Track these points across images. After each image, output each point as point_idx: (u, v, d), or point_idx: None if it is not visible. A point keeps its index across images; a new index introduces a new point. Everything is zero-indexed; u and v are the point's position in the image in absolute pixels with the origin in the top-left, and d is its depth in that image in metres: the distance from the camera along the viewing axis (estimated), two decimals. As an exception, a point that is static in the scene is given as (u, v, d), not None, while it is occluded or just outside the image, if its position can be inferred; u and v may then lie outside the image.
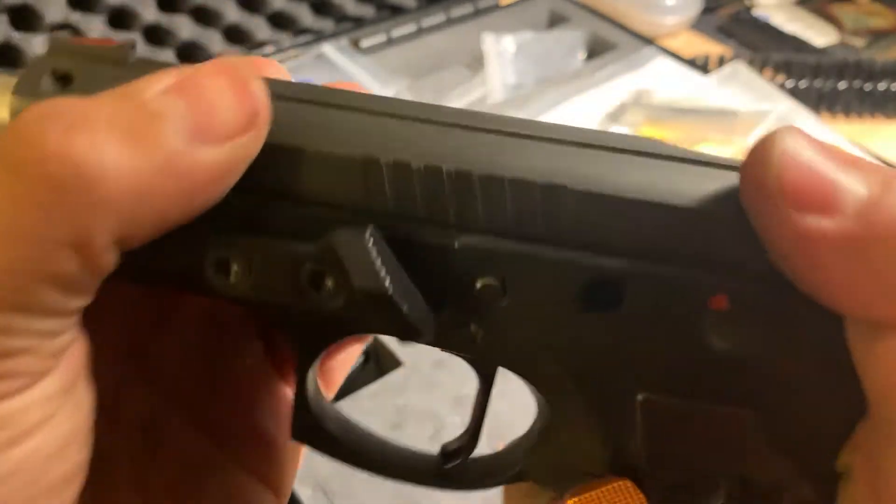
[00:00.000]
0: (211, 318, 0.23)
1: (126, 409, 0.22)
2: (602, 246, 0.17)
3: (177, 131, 0.14)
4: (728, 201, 0.16)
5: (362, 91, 0.18)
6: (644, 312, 0.17)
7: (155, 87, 0.15)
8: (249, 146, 0.16)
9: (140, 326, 0.22)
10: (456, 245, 0.17)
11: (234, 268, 0.18)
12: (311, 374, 0.20)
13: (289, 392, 0.25)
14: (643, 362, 0.18)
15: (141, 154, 0.14)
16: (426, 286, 0.18)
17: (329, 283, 0.17)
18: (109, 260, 0.15)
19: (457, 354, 0.20)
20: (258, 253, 0.17)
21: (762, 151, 0.15)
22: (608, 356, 0.18)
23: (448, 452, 0.23)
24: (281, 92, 0.17)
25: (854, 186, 0.15)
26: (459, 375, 0.49)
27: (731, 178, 0.16)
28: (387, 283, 0.17)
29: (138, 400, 0.22)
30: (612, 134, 0.17)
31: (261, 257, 0.17)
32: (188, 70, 0.16)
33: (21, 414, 0.15)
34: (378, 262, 0.17)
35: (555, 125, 0.17)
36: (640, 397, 0.18)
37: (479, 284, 0.18)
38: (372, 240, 0.17)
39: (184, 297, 0.22)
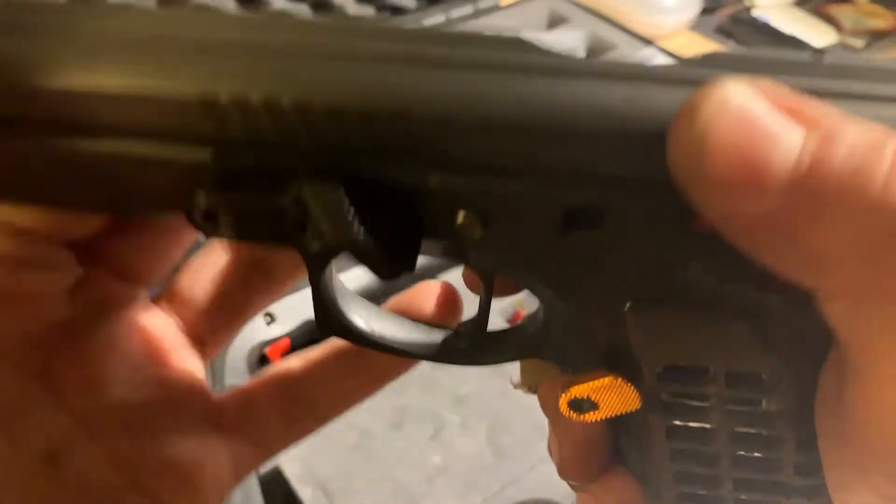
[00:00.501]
0: (129, 340, 0.23)
1: (29, 431, 0.20)
2: (577, 177, 0.17)
3: None
4: None
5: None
6: (625, 232, 0.17)
7: None
8: None
9: (52, 344, 0.21)
10: (430, 184, 0.17)
11: (222, 218, 0.18)
12: (325, 278, 0.20)
13: (209, 417, 0.24)
14: (627, 276, 0.18)
15: None
16: (405, 224, 0.18)
17: (309, 229, 0.17)
18: None
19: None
20: (241, 208, 0.17)
21: (690, 114, 0.14)
22: (592, 270, 0.18)
23: (461, 332, 0.24)
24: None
25: (788, 148, 0.13)
26: (459, 376, 0.49)
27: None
28: (360, 235, 0.17)
29: (44, 423, 0.21)
30: (575, 59, 0.17)
31: (245, 211, 0.17)
32: None
33: None
34: (351, 214, 0.17)
35: (521, 52, 0.17)
36: (627, 305, 0.18)
37: (459, 219, 0.17)
38: (345, 190, 0.17)
39: (98, 318, 0.22)
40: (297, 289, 0.53)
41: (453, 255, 0.20)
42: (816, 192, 0.13)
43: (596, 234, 0.17)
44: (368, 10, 0.85)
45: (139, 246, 0.22)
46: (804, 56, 0.16)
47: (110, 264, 0.22)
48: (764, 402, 0.19)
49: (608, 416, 0.20)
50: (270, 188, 0.17)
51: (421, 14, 0.87)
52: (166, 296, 0.24)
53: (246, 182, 0.17)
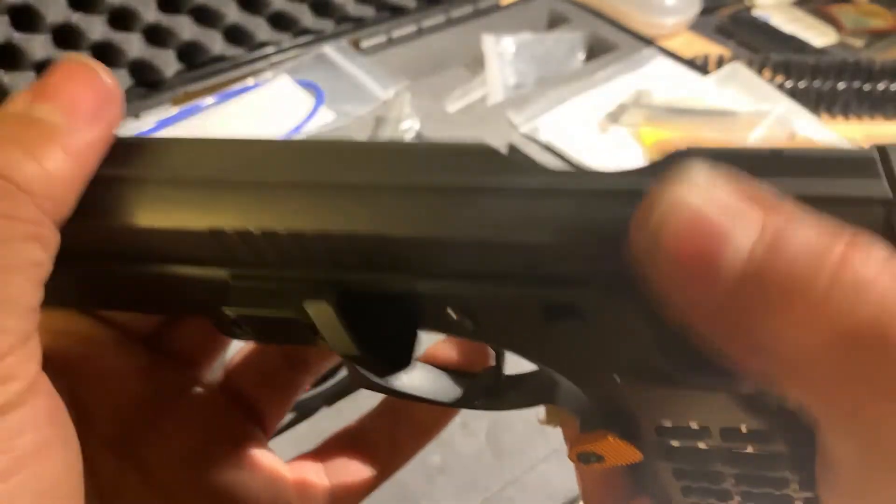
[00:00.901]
0: (205, 414, 0.25)
1: (120, 499, 0.22)
2: (548, 281, 0.18)
3: (59, 126, 0.18)
4: None
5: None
6: (604, 322, 0.18)
7: (21, 103, 0.18)
8: (114, 118, 0.19)
9: (135, 415, 0.23)
10: (418, 290, 0.19)
11: (245, 327, 0.21)
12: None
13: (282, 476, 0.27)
14: (612, 356, 0.19)
15: (44, 157, 0.18)
16: (401, 324, 0.20)
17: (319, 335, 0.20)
18: (55, 236, 0.18)
19: None
20: (255, 320, 0.20)
21: (647, 211, 0.15)
22: (579, 352, 0.19)
23: (481, 380, 0.26)
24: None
25: (740, 244, 0.14)
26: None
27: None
28: (355, 346, 0.19)
29: (136, 496, 0.23)
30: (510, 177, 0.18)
31: (261, 321, 0.20)
32: (39, 81, 0.19)
33: (17, 434, 0.16)
34: (345, 329, 0.19)
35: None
36: (617, 379, 0.19)
37: (449, 317, 0.19)
38: (338, 308, 0.19)
39: (168, 399, 0.25)
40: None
41: (456, 335, 0.21)
42: (765, 288, 0.14)
43: (577, 323, 0.18)
44: (369, 11, 0.85)
45: (193, 337, 0.26)
46: (764, 151, 0.17)
47: (171, 353, 0.26)
48: (763, 448, 0.20)
49: (613, 467, 0.21)
50: (278, 304, 0.19)
51: (421, 14, 0.87)
52: (225, 381, 0.28)
53: (258, 298, 0.20)
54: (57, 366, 0.20)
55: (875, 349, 0.13)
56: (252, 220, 0.19)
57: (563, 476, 0.44)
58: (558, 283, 0.18)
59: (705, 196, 0.14)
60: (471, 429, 0.46)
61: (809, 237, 0.14)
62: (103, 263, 0.21)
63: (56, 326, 0.23)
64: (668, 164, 0.16)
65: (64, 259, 0.18)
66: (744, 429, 0.19)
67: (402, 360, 0.22)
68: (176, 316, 0.25)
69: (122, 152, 0.20)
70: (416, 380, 0.25)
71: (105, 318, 0.24)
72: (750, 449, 0.20)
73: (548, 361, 0.20)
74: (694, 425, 0.20)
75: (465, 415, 0.47)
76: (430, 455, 0.45)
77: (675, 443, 0.21)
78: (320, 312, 0.19)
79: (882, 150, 0.16)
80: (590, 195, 0.17)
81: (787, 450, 0.19)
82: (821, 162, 0.16)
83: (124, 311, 0.24)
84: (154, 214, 0.19)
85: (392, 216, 0.18)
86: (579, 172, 0.17)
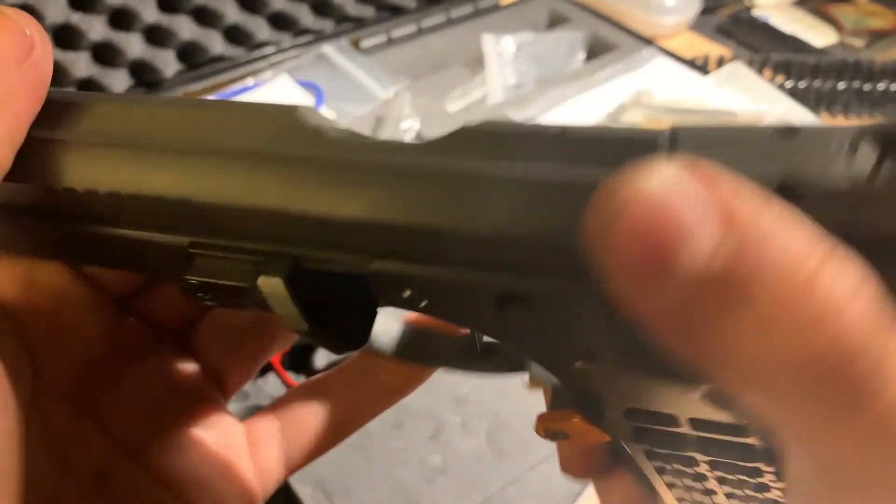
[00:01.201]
0: (159, 378, 0.26)
1: (79, 457, 0.23)
2: (496, 271, 0.17)
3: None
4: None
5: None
6: (555, 310, 0.18)
7: None
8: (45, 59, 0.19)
9: (94, 379, 0.24)
10: (371, 268, 0.18)
11: (207, 293, 0.20)
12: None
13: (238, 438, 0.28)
14: (568, 342, 0.18)
15: None
16: (358, 301, 0.20)
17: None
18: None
19: None
20: (215, 288, 0.20)
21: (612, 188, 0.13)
22: (535, 337, 0.19)
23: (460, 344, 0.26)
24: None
25: (701, 245, 0.12)
26: (459, 375, 0.49)
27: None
28: (306, 322, 0.19)
29: (91, 449, 0.23)
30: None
31: (220, 291, 0.20)
32: None
33: None
34: (295, 304, 0.19)
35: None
36: (576, 364, 0.19)
37: (405, 294, 0.19)
38: (288, 283, 0.19)
39: (131, 359, 0.25)
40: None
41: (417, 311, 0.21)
42: (723, 296, 0.12)
43: (529, 311, 0.18)
44: (369, 11, 0.85)
45: (165, 302, 0.26)
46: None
47: (142, 315, 0.26)
48: (734, 439, 0.19)
49: (580, 445, 0.21)
50: (235, 275, 0.19)
51: (421, 14, 0.87)
52: (189, 343, 0.27)
53: (215, 269, 0.20)
54: (14, 315, 0.20)
55: (835, 380, 0.12)
56: (193, 189, 0.18)
57: (563, 477, 0.44)
58: (510, 273, 0.17)
59: (670, 186, 0.12)
60: (471, 429, 0.46)
61: (779, 247, 0.12)
62: (60, 223, 0.21)
63: (24, 276, 0.22)
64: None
65: (14, 213, 0.18)
66: (713, 420, 0.18)
67: (359, 336, 0.22)
68: (146, 277, 0.25)
69: (56, 110, 0.19)
70: (389, 335, 0.25)
71: (81, 275, 0.23)
72: (721, 438, 0.19)
73: (507, 342, 0.19)
74: (663, 412, 0.19)
75: (465, 416, 0.47)
76: (431, 455, 0.45)
77: (643, 426, 0.20)
78: (270, 286, 0.19)
79: (673, 132, 0.15)
80: (548, 186, 0.16)
81: (760, 443, 0.19)
82: (600, 144, 0.15)
83: (99, 266, 0.24)
84: (96, 177, 0.19)
85: (340, 197, 0.17)
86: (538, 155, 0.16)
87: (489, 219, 0.16)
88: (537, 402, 0.48)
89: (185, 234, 0.20)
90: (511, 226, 0.16)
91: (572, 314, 0.17)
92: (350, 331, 0.21)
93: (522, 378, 0.26)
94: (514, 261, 0.17)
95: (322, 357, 0.57)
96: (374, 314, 0.21)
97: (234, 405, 0.45)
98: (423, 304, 0.19)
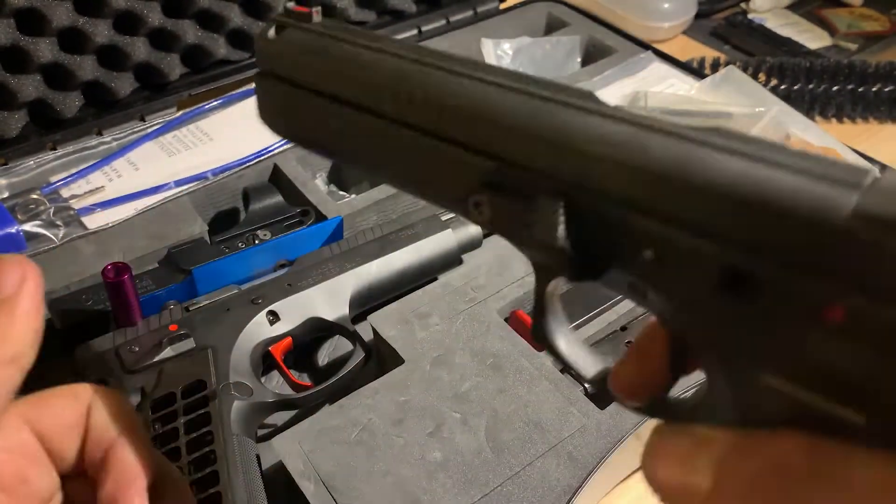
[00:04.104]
0: None
1: None
2: (741, 243, 0.19)
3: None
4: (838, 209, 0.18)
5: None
6: (769, 307, 0.19)
7: None
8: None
9: None
10: (629, 221, 0.21)
11: (485, 210, 0.25)
12: (548, 293, 0.26)
13: None
14: (764, 350, 0.20)
15: None
16: (604, 246, 0.23)
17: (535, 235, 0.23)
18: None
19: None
20: (497, 205, 0.25)
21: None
22: (736, 338, 0.20)
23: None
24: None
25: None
26: (459, 373, 0.50)
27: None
28: (566, 245, 0.23)
29: None
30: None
31: (503, 210, 0.25)
32: None
33: None
34: (562, 229, 0.23)
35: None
36: (764, 378, 0.20)
37: (645, 255, 0.21)
38: (564, 209, 0.22)
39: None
40: (299, 288, 0.54)
41: (635, 294, 0.23)
42: None
43: (749, 302, 0.19)
44: (370, 15, 0.86)
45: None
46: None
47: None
48: None
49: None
50: (523, 199, 0.24)
51: (421, 18, 0.88)
52: None
53: (511, 191, 0.24)
54: None
55: None
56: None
57: (562, 471, 0.45)
58: (751, 251, 0.19)
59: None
60: (470, 426, 0.47)
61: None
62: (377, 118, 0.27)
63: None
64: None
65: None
66: None
67: (595, 273, 0.24)
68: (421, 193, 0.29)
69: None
70: (581, 359, 0.27)
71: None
72: None
73: (704, 334, 0.21)
74: None
75: (465, 412, 0.48)
76: (431, 451, 0.45)
77: None
78: (546, 210, 0.23)
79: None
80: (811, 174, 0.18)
81: None
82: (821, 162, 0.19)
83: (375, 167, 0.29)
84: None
85: (648, 152, 0.21)
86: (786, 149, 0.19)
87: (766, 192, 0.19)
88: (535, 400, 0.49)
89: (494, 158, 0.24)
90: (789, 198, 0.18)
91: (785, 311, 0.18)
92: (591, 266, 0.23)
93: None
94: (763, 239, 0.19)
95: (325, 356, 0.58)
96: (610, 264, 0.23)
97: (237, 402, 0.46)
98: (654, 269, 0.21)
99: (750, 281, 0.19)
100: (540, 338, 0.26)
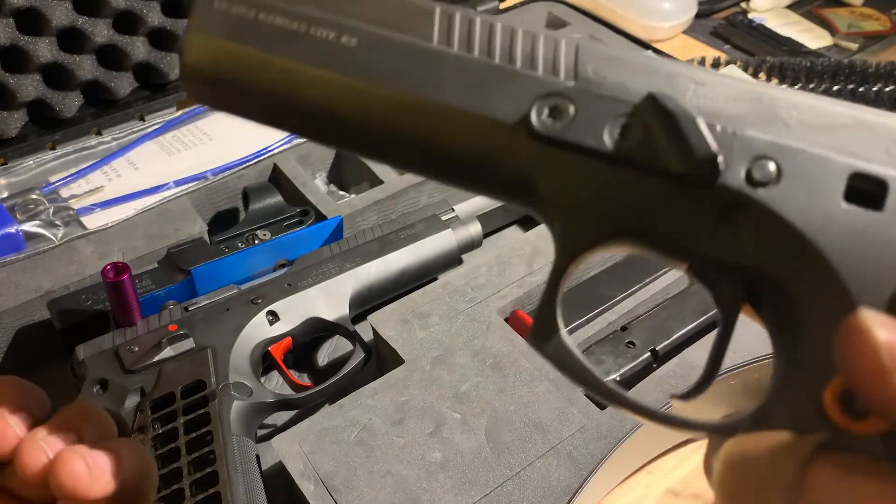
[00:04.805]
0: None
1: None
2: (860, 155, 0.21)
3: None
4: None
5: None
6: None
7: None
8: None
9: None
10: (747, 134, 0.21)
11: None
12: (558, 289, 0.24)
13: None
14: (880, 271, 0.19)
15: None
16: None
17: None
18: None
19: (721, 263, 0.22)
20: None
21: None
22: (859, 255, 0.20)
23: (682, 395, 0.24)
24: None
25: None
26: (459, 373, 0.50)
27: None
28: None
29: None
30: None
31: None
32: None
33: None
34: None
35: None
36: (859, 309, 0.19)
37: (763, 167, 0.21)
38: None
39: None
40: (299, 288, 0.54)
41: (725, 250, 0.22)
42: None
43: (872, 215, 0.20)
44: None
45: None
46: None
47: None
48: None
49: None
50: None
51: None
52: None
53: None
54: None
55: None
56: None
57: (562, 472, 0.45)
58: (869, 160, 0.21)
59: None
60: (470, 426, 0.47)
61: None
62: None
63: None
64: None
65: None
66: None
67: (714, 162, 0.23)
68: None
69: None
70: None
71: None
72: None
73: (827, 250, 0.20)
74: None
75: (465, 412, 0.48)
76: (431, 451, 0.45)
77: None
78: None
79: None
80: None
81: None
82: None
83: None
84: None
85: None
86: None
87: None
88: (535, 400, 0.50)
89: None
90: None
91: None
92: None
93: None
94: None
95: (324, 356, 0.58)
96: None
97: (237, 402, 0.46)
98: (774, 180, 0.21)
99: (879, 188, 0.20)
100: (546, 332, 0.23)
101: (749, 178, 0.21)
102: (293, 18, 0.24)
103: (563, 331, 0.24)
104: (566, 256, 0.24)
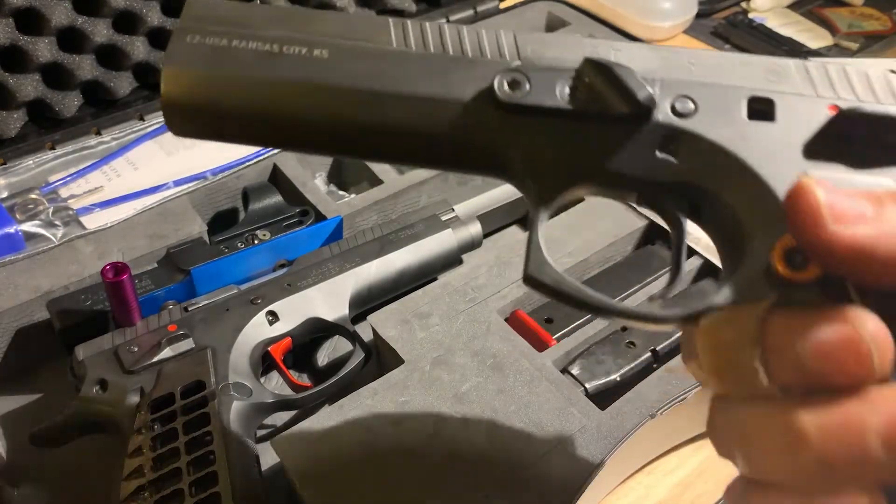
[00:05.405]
0: None
1: None
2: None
3: None
4: None
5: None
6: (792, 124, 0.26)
7: None
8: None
9: None
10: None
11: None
12: (539, 228, 0.27)
13: None
14: (785, 164, 0.25)
15: None
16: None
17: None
18: None
19: (657, 184, 0.27)
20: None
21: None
22: (768, 156, 0.25)
23: (655, 296, 0.28)
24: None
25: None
26: (459, 374, 0.50)
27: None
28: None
29: None
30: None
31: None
32: None
33: None
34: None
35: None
36: (803, 175, 0.23)
37: (684, 102, 0.27)
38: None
39: None
40: (299, 289, 0.54)
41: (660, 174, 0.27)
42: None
43: (770, 123, 0.26)
44: (369, 13, 0.86)
45: None
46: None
47: None
48: None
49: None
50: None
51: (421, 17, 0.87)
52: None
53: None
54: None
55: None
56: None
57: (563, 472, 0.45)
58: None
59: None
60: (470, 426, 0.47)
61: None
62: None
63: None
64: None
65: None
66: None
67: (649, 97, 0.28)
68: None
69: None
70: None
71: None
72: None
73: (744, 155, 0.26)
74: None
75: (465, 413, 0.48)
76: (431, 451, 0.45)
77: None
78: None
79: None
80: None
81: None
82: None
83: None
84: None
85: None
86: None
87: None
88: (535, 400, 0.50)
89: None
90: None
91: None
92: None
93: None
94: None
95: (324, 356, 0.58)
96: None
97: (236, 403, 0.46)
98: (693, 113, 0.27)
99: (769, 105, 0.27)
100: (539, 265, 0.27)
101: (675, 112, 0.27)
102: (265, 41, 0.27)
103: (552, 262, 0.27)
104: (540, 205, 0.27)
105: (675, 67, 0.27)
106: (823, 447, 0.20)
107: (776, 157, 0.25)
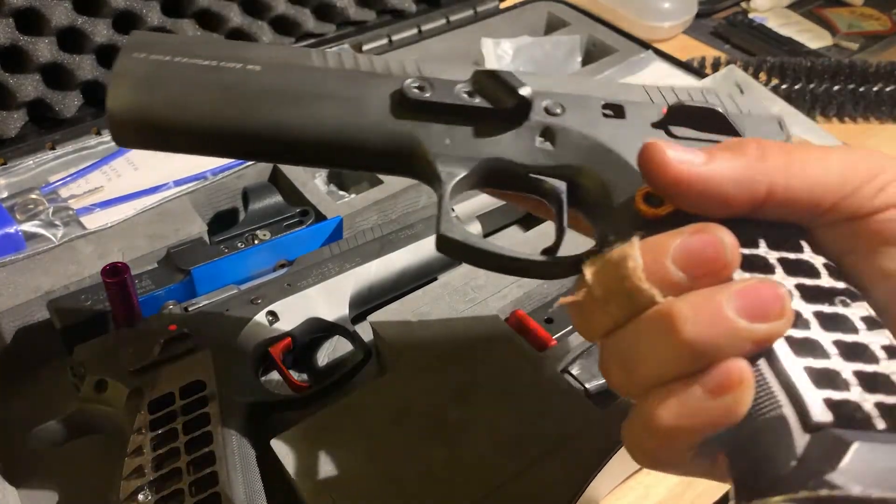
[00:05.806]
0: None
1: None
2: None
3: None
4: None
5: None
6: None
7: None
8: None
9: None
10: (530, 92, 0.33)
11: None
12: (447, 199, 0.31)
13: None
14: (636, 148, 0.29)
15: None
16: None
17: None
18: None
19: (539, 173, 0.33)
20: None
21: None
22: (625, 142, 0.32)
23: (546, 250, 0.32)
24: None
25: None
26: (459, 374, 0.50)
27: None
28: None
29: None
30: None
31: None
32: None
33: None
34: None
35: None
36: (651, 140, 0.28)
37: (554, 107, 0.34)
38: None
39: None
40: (299, 289, 0.54)
41: (540, 161, 0.33)
42: None
43: (621, 120, 0.34)
44: (370, 15, 0.86)
45: None
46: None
47: None
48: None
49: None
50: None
51: (421, 18, 0.87)
52: None
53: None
54: None
55: None
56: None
57: (562, 472, 0.45)
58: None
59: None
60: (471, 426, 0.47)
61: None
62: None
63: None
64: None
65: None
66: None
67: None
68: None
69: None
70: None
71: None
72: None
73: (602, 149, 0.33)
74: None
75: (465, 413, 0.48)
76: (431, 451, 0.45)
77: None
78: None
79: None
80: None
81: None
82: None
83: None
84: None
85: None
86: None
87: None
88: (535, 400, 0.49)
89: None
90: None
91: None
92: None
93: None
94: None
95: (324, 356, 0.58)
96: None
97: (236, 403, 0.46)
98: (561, 114, 0.33)
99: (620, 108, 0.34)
100: (451, 227, 0.31)
101: (548, 112, 0.33)
102: (204, 58, 0.32)
103: (463, 226, 0.32)
104: (447, 190, 0.31)
105: (548, 84, 0.34)
106: (694, 325, 0.24)
107: (628, 140, 0.32)
